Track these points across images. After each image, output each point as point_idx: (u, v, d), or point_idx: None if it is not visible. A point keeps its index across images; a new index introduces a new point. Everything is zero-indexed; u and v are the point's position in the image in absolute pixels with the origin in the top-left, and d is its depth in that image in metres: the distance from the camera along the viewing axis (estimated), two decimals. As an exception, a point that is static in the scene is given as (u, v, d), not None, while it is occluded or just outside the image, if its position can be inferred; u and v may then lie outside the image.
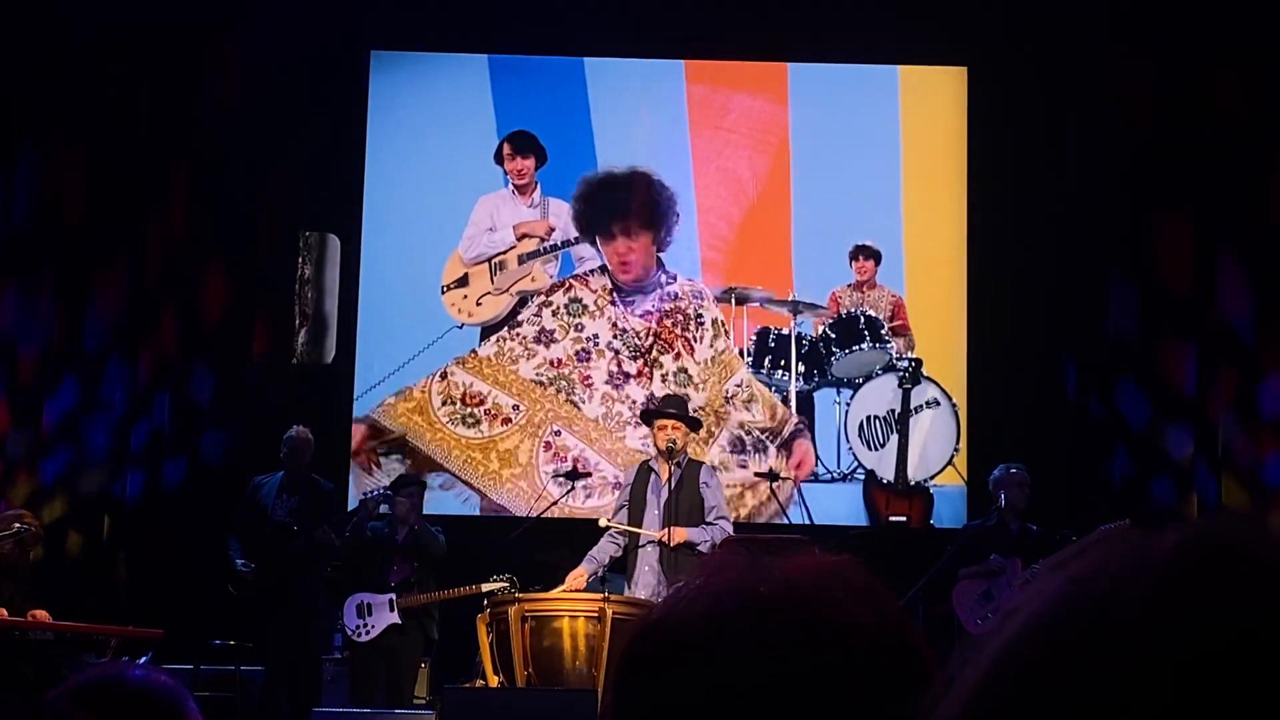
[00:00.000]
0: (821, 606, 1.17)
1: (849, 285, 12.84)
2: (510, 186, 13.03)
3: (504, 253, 12.97)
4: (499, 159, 13.03)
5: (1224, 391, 12.35)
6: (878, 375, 12.65)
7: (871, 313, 12.69)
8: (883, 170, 13.08)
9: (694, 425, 10.41)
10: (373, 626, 10.52)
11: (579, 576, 10.00)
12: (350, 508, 11.33)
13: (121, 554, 12.56)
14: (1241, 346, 12.36)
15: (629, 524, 10.04)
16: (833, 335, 12.69)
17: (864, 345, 12.60)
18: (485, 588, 10.38)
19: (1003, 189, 12.85)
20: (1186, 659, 0.68)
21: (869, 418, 12.57)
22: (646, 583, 9.81)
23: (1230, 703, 0.67)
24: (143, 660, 9.32)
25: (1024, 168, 12.87)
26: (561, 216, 12.97)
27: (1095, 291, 12.68)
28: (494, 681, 9.73)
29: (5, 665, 9.36)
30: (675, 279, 12.89)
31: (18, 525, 10.19)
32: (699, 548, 9.70)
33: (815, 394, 12.82)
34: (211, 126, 12.92)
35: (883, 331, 12.65)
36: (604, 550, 10.12)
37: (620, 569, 10.16)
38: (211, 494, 12.23)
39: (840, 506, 12.57)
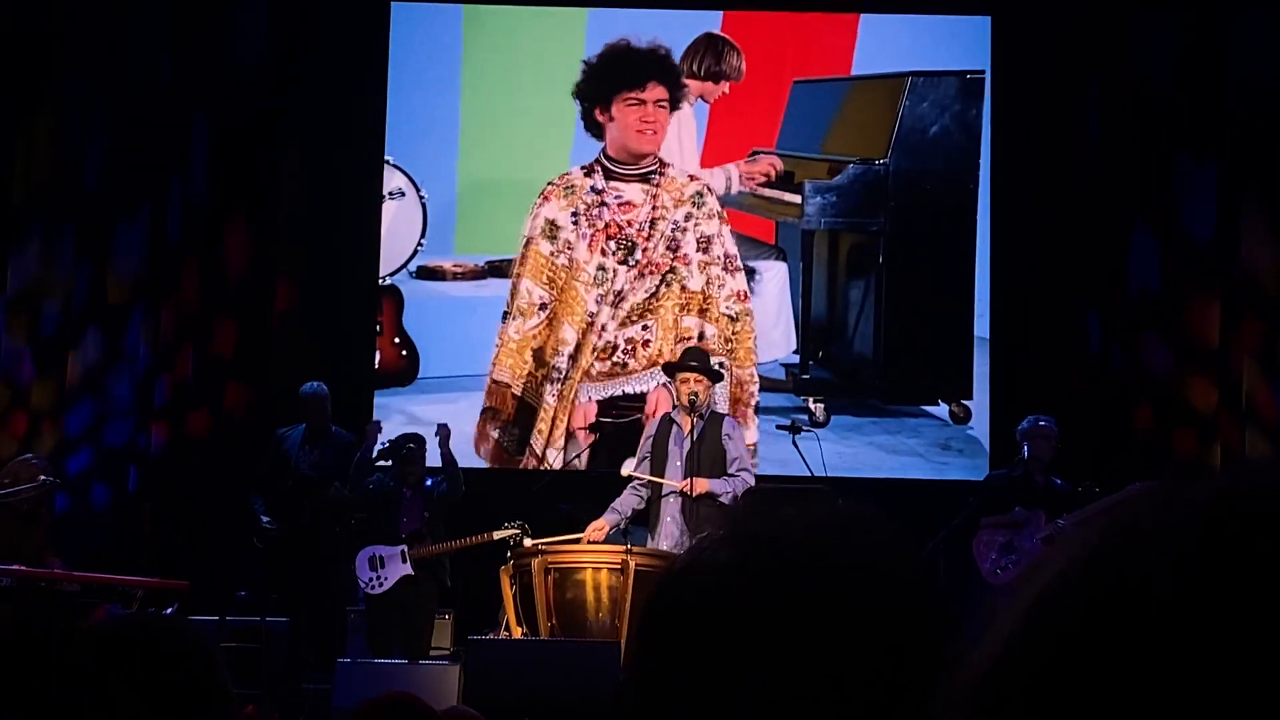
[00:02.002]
0: (845, 555, 1.18)
1: None
2: None
3: None
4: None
5: (1248, 342, 12.31)
6: None
7: None
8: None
9: (715, 378, 10.42)
10: (386, 579, 10.55)
11: (600, 528, 10.03)
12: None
13: (146, 506, 12.61)
14: (1266, 297, 12.31)
15: (652, 476, 10.07)
16: None
17: None
18: (497, 535, 10.40)
19: (1025, 140, 12.78)
20: (1221, 620, 0.68)
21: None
22: (669, 534, 9.84)
23: (1266, 663, 0.67)
24: (168, 611, 9.37)
25: (1046, 118, 12.80)
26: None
27: (1118, 243, 12.62)
28: (518, 633, 9.77)
29: (31, 616, 9.42)
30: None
31: (43, 477, 10.27)
32: (721, 499, 9.72)
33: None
34: (232, 79, 12.91)
35: None
36: (626, 502, 10.14)
37: (643, 521, 10.19)
38: (235, 446, 12.28)
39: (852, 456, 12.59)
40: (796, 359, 12.84)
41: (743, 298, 12.49)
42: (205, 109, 12.89)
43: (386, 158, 13.14)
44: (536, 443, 12.54)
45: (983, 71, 12.80)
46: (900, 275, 12.70)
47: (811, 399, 12.74)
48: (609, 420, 12.49)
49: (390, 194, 13.12)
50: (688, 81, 12.60)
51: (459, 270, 13.08)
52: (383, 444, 11.16)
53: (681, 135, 12.60)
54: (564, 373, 12.47)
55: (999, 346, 12.73)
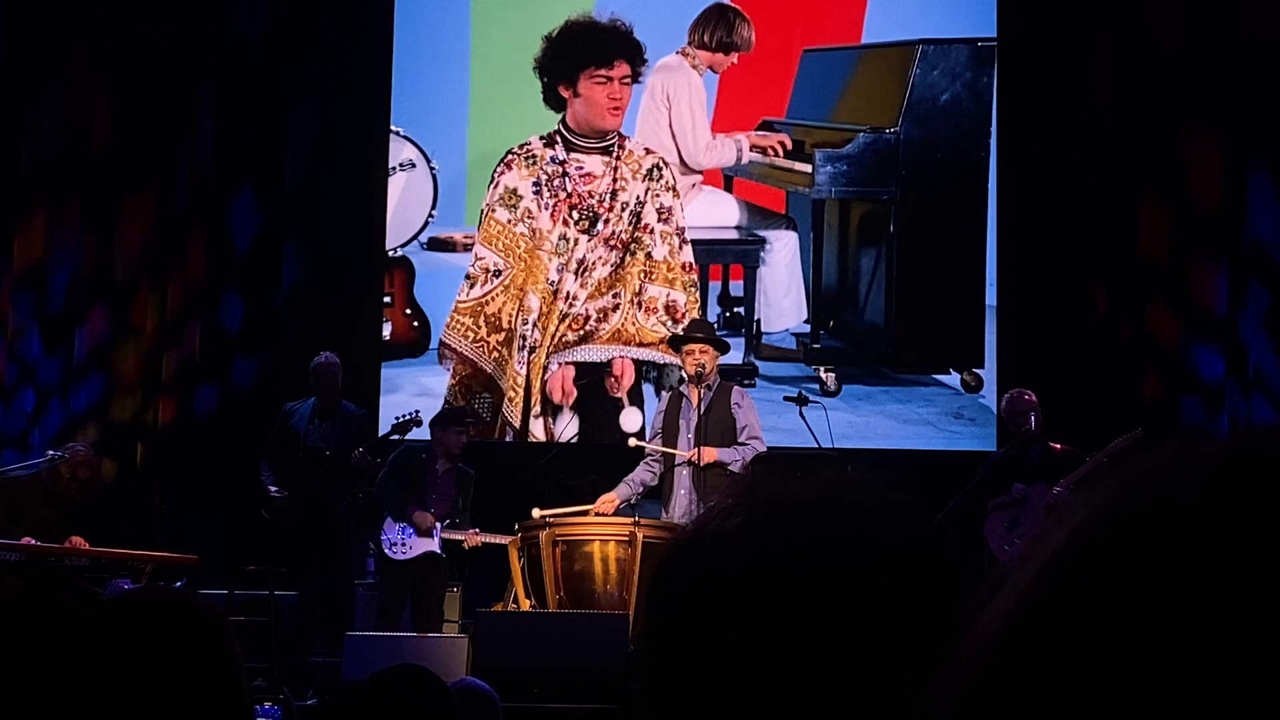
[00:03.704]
0: (854, 523, 1.18)
1: None
2: None
3: None
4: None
5: (1255, 311, 12.30)
6: None
7: None
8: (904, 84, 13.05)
9: (722, 348, 10.42)
10: (410, 548, 10.47)
11: (609, 501, 10.05)
12: (381, 433, 11.33)
13: (155, 481, 12.62)
14: (1273, 265, 12.29)
15: (662, 448, 10.09)
16: None
17: None
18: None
19: (1033, 108, 12.75)
20: (1237, 571, 0.68)
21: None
22: (682, 505, 9.86)
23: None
24: (177, 585, 9.39)
25: (1054, 86, 12.77)
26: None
27: (1125, 211, 12.60)
28: (526, 605, 9.79)
29: (42, 591, 9.45)
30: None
31: (51, 452, 10.31)
32: (730, 467, 9.73)
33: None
34: (238, 49, 12.90)
35: None
36: (639, 477, 10.17)
37: (656, 494, 10.22)
38: (243, 421, 12.29)
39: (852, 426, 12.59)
40: (807, 328, 12.85)
41: (688, 269, 12.54)
42: (211, 80, 12.88)
43: (397, 129, 13.14)
44: (511, 414, 12.55)
45: (994, 39, 12.78)
46: (911, 244, 12.69)
47: (822, 368, 12.75)
48: (581, 382, 12.56)
49: (401, 165, 13.12)
50: (697, 52, 12.58)
51: (470, 241, 13.11)
52: (396, 419, 11.14)
53: (693, 104, 12.58)
54: (527, 341, 12.52)
55: (1006, 315, 12.73)
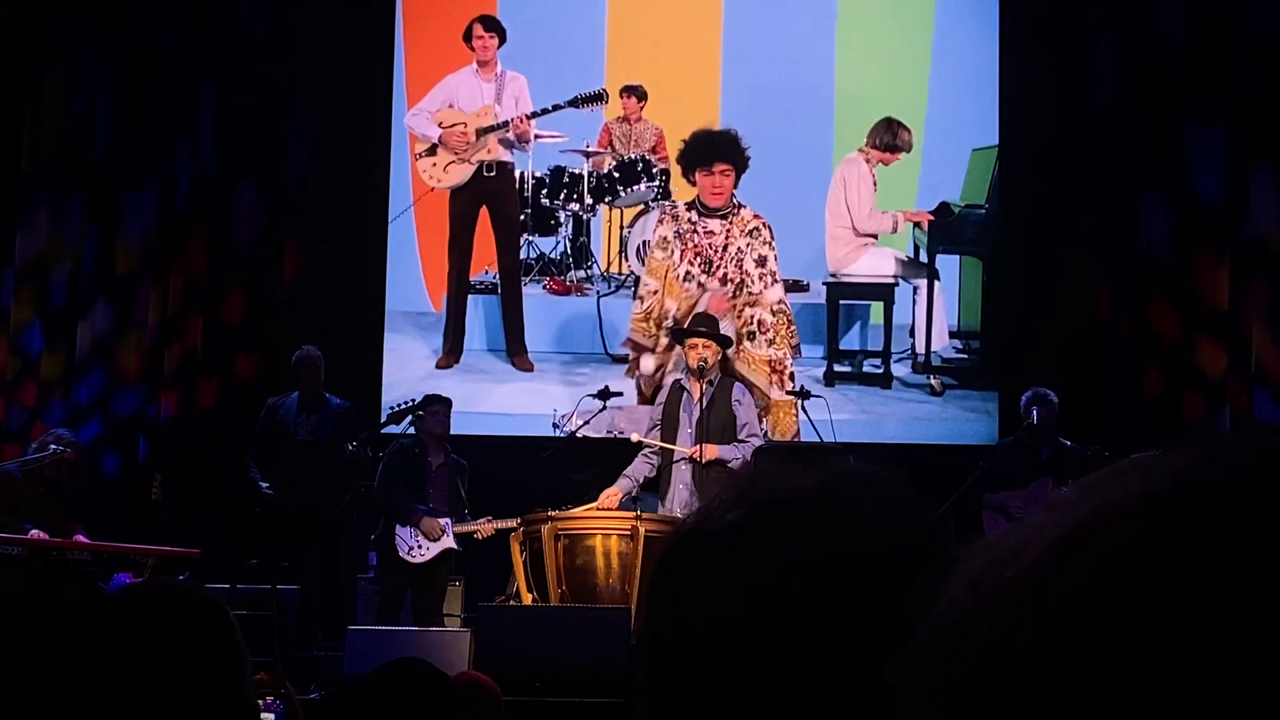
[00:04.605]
0: (855, 511, 1.18)
1: (618, 119, 13.67)
2: (474, 65, 13.02)
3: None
4: (468, 38, 12.95)
5: (1258, 305, 12.30)
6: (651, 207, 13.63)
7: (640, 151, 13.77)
8: (910, 80, 13.15)
9: (725, 343, 10.43)
10: (428, 549, 10.48)
11: (612, 495, 10.05)
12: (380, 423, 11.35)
13: (156, 476, 12.63)
14: (1275, 259, 12.29)
15: (662, 442, 10.10)
16: (617, 175, 13.61)
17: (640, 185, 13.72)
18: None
19: (1035, 102, 12.77)
20: (1198, 548, 0.70)
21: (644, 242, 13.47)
22: (680, 499, 9.88)
23: (1244, 581, 0.68)
24: (180, 579, 9.40)
25: (1056, 80, 12.78)
26: (519, 90, 12.96)
27: (1127, 205, 12.61)
28: (528, 600, 9.79)
29: (45, 585, 9.45)
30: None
31: (54, 446, 10.33)
32: (730, 464, 9.75)
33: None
34: (239, 44, 12.90)
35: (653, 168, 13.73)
36: (638, 470, 10.18)
37: (654, 487, 10.22)
38: (245, 415, 12.29)
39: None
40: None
41: (782, 304, 12.99)
42: (212, 75, 12.89)
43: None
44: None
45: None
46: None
47: (933, 375, 13.04)
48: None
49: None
50: (870, 150, 13.23)
51: None
52: (392, 407, 11.15)
53: (861, 187, 13.20)
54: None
55: (1007, 312, 12.74)
